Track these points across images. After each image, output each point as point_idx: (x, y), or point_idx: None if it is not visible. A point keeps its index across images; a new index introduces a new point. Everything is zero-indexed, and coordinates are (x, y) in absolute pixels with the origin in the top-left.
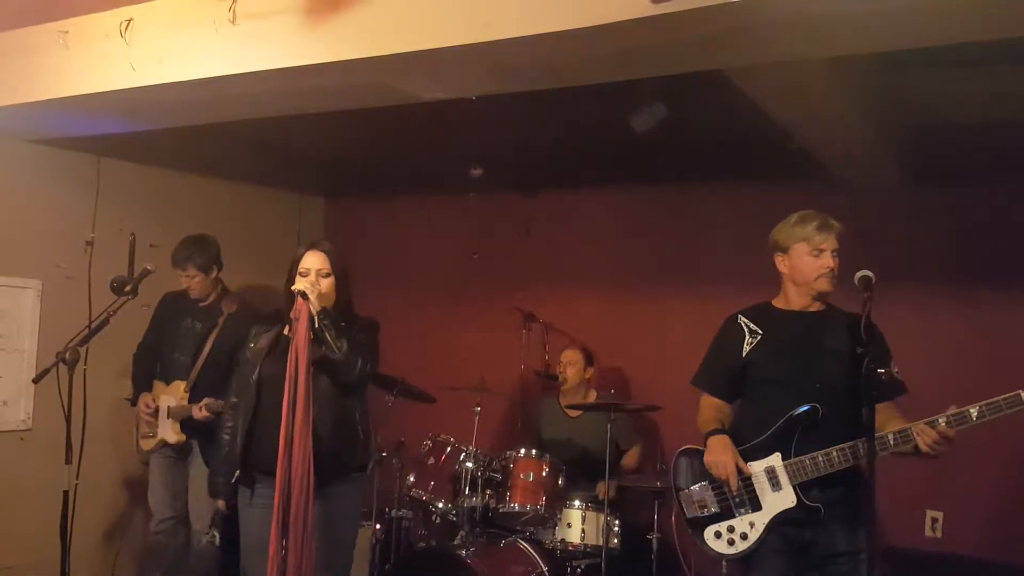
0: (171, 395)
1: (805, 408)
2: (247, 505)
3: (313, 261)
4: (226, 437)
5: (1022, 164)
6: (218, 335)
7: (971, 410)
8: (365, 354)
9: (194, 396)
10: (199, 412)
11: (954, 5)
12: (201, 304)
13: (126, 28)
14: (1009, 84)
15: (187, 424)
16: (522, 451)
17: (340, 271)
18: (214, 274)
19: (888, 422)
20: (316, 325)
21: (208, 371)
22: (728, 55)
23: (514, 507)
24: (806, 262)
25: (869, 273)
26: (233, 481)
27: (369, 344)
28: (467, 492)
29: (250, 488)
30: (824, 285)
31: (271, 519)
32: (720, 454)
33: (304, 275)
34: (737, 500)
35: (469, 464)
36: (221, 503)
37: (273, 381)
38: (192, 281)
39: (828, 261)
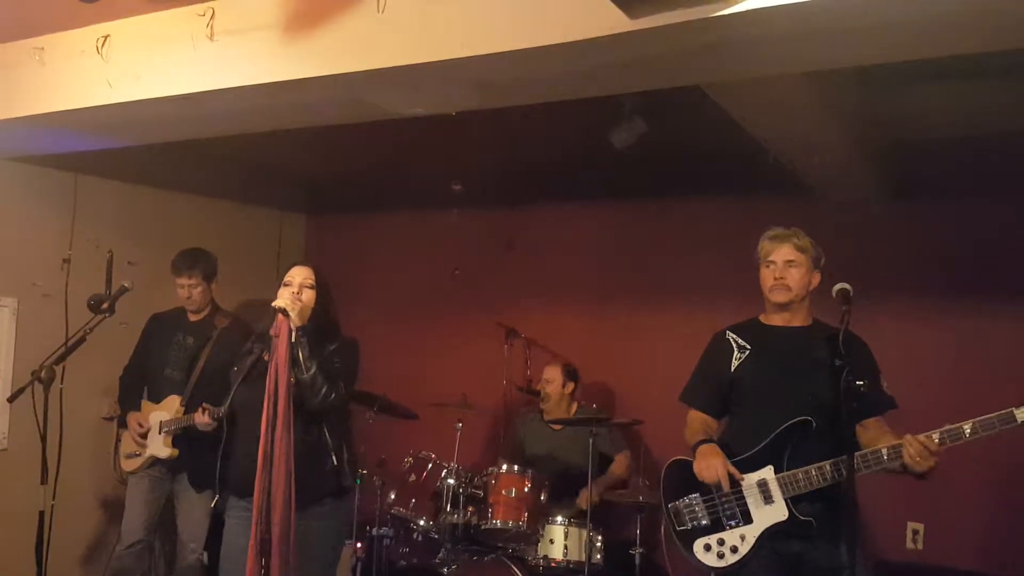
0: (164, 411)
1: (798, 420)
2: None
3: (298, 273)
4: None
5: (1002, 178)
6: (212, 350)
7: (964, 427)
8: (333, 381)
9: (190, 410)
10: (201, 416)
11: (932, 20)
12: (193, 319)
13: (103, 44)
14: (987, 98)
15: (181, 439)
16: (504, 467)
17: (323, 287)
18: (212, 286)
19: (879, 438)
20: (292, 340)
21: (203, 385)
22: (707, 70)
23: (496, 524)
24: (763, 275)
25: (847, 286)
26: (212, 506)
27: (345, 370)
28: (449, 509)
29: (223, 509)
30: (777, 297)
31: (245, 532)
32: (709, 458)
33: (287, 285)
34: (728, 513)
35: (451, 481)
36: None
37: (246, 409)
38: (194, 290)
39: (776, 271)
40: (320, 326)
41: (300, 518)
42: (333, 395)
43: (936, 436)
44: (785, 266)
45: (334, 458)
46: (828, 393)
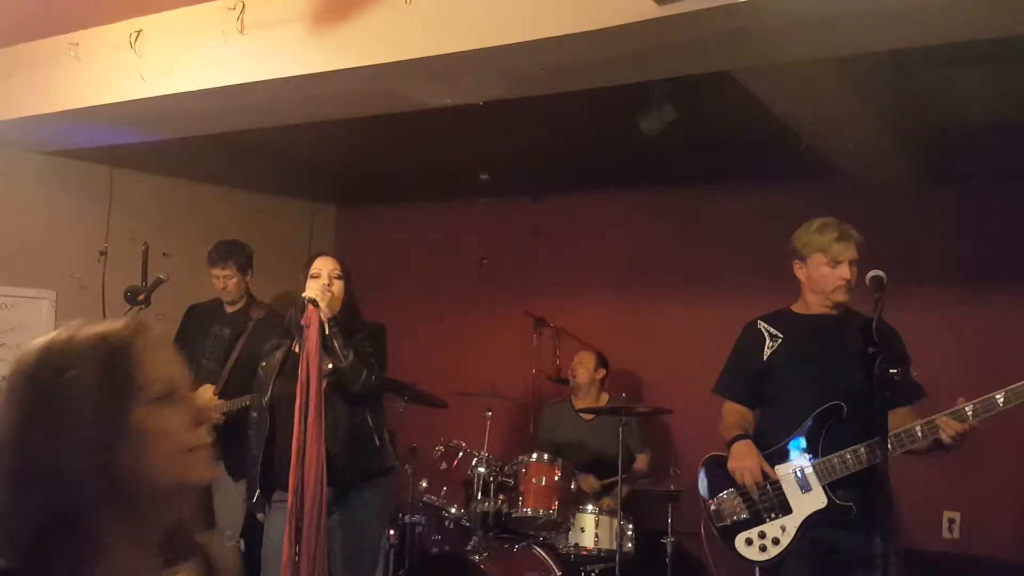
0: (198, 400)
1: (829, 405)
2: (269, 513)
3: (325, 264)
4: (253, 452)
5: None
6: (247, 340)
7: (997, 396)
8: (370, 364)
9: (223, 399)
10: (213, 416)
11: (963, 3)
12: (229, 310)
13: (136, 39)
14: (1019, 82)
15: (217, 428)
16: (534, 456)
17: (347, 276)
18: (247, 278)
19: (907, 424)
20: (326, 332)
21: (237, 375)
22: (735, 56)
23: (527, 512)
24: (823, 272)
25: (881, 273)
26: (253, 501)
27: (376, 353)
28: (479, 497)
29: (268, 503)
30: (840, 296)
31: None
32: (743, 459)
33: (316, 277)
34: (766, 505)
35: (481, 469)
36: (261, 516)
37: (286, 402)
38: (229, 282)
39: (845, 272)
40: (348, 315)
41: (349, 497)
42: (373, 377)
43: (968, 409)
44: (850, 266)
45: (376, 438)
46: (860, 380)
